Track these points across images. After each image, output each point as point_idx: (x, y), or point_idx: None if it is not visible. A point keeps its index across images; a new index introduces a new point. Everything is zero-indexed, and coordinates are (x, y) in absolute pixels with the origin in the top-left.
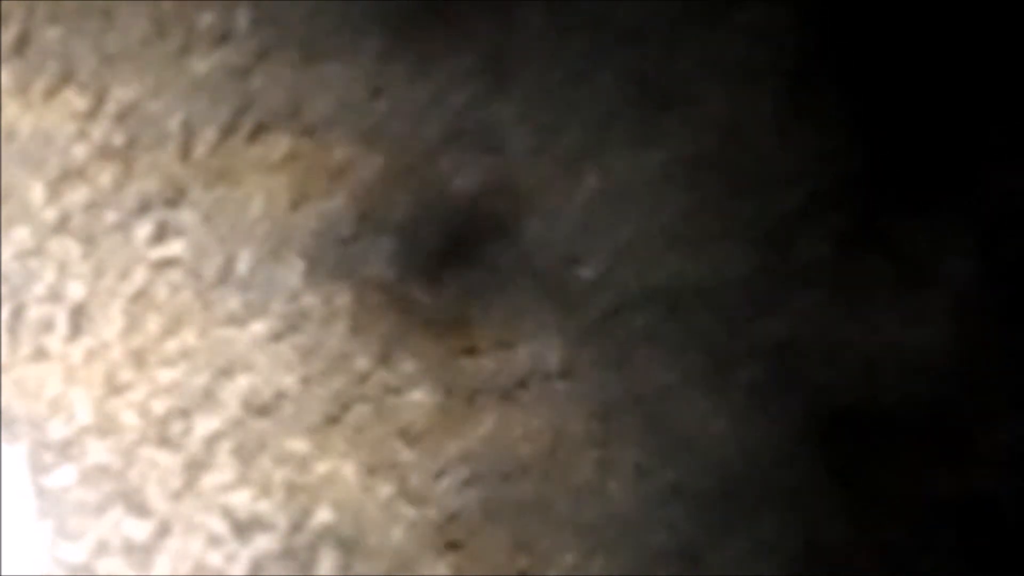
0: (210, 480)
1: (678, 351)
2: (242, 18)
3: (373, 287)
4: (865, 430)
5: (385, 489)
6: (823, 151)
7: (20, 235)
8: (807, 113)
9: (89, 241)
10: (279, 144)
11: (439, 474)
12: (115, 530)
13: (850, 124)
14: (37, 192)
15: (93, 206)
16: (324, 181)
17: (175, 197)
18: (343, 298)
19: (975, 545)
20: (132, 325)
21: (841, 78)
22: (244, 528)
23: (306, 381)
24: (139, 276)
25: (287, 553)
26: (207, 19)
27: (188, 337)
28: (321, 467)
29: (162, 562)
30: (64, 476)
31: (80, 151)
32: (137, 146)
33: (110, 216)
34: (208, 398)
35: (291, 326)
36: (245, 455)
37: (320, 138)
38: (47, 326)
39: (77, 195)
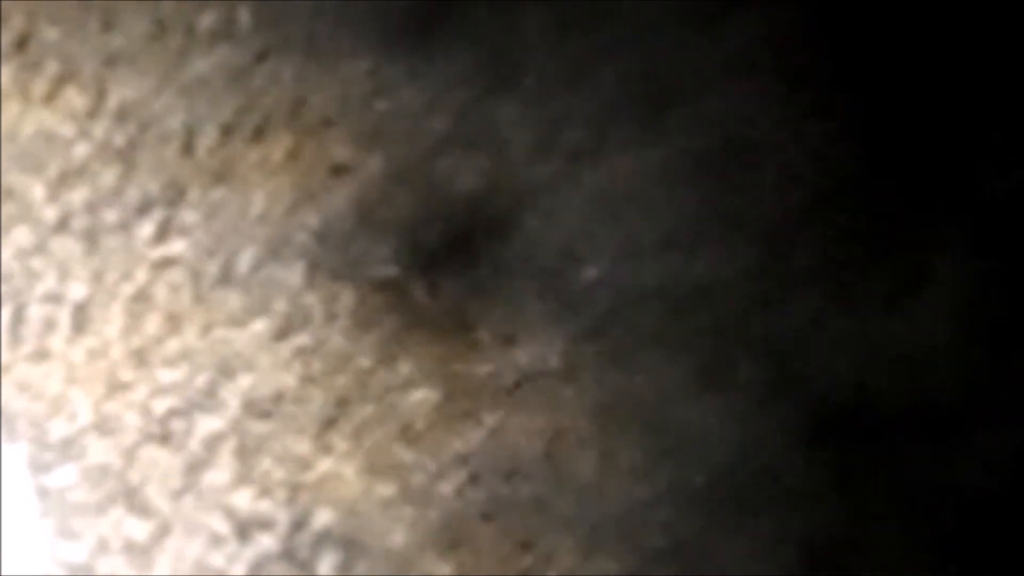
0: (211, 480)
1: (678, 351)
2: (242, 18)
3: (373, 287)
4: (864, 430)
5: (386, 489)
6: (823, 151)
7: (21, 235)
8: (807, 113)
9: (90, 241)
10: (280, 144)
11: (439, 474)
12: (116, 530)
13: (850, 124)
14: (38, 192)
15: (94, 206)
16: (324, 181)
17: (176, 197)
18: (343, 298)
19: (975, 545)
20: (133, 325)
21: (841, 78)
22: (245, 528)
23: (307, 381)
24: (140, 276)
25: (288, 553)
26: (207, 19)
27: (189, 337)
28: (322, 467)
29: (163, 562)
30: (65, 476)
31: (81, 151)
32: (138, 146)
33: (111, 216)
34: (209, 398)
35: (292, 326)
36: (246, 455)
37: (320, 138)
38: (48, 326)
39: (78, 195)
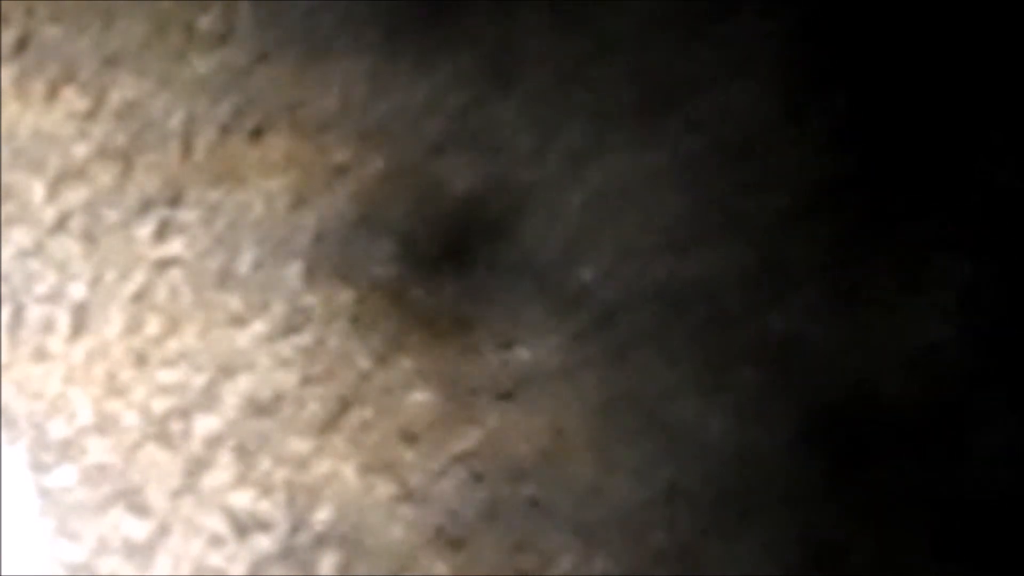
0: (210, 480)
1: (678, 351)
2: (242, 18)
3: (373, 287)
4: (864, 430)
5: (385, 489)
6: (822, 151)
7: (20, 235)
8: (806, 113)
9: (89, 241)
10: (279, 144)
11: (439, 474)
12: (115, 530)
13: (849, 124)
14: (37, 192)
15: (93, 206)
16: (324, 181)
17: (175, 197)
18: (343, 298)
19: (975, 545)
20: (132, 325)
21: (840, 78)
22: (244, 528)
23: (306, 381)
24: (139, 276)
25: (287, 553)
26: (207, 19)
27: (188, 337)
28: (321, 467)
29: (162, 562)
30: (64, 476)
31: (80, 151)
32: (137, 146)
33: (110, 216)
34: (208, 398)
35: (291, 326)
36: (245, 455)
37: (320, 138)
38: (48, 326)
39: (77, 195)
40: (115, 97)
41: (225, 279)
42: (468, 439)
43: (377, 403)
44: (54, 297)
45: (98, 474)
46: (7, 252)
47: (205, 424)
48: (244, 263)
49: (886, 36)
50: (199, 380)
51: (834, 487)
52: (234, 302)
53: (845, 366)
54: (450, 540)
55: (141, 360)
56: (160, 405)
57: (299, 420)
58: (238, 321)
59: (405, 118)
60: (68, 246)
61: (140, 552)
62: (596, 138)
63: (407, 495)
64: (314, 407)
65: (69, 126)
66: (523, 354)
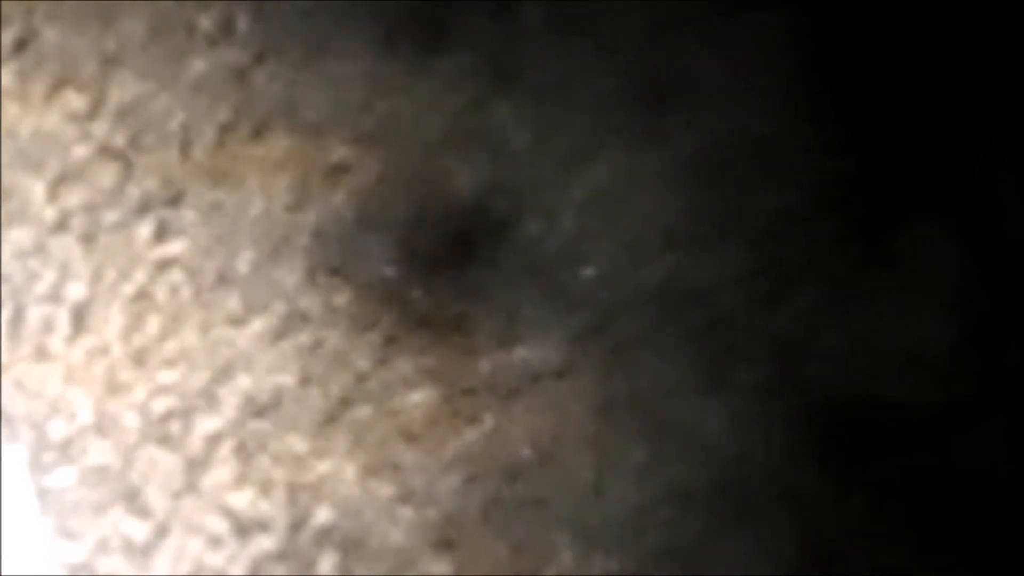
0: (210, 480)
1: (678, 351)
2: (242, 18)
3: (372, 287)
4: (864, 430)
5: (385, 489)
6: (821, 152)
7: (20, 235)
8: (805, 114)
9: (89, 241)
10: (279, 144)
11: (439, 474)
12: (115, 530)
13: (848, 125)
14: (37, 192)
15: (93, 206)
16: (324, 181)
17: (175, 197)
18: (343, 298)
19: (976, 544)
20: (132, 325)
21: (838, 80)
22: (244, 528)
23: (306, 381)
24: (139, 276)
25: (287, 553)
26: (207, 19)
27: (188, 337)
28: (321, 467)
29: (162, 562)
30: (64, 476)
31: (80, 151)
32: (137, 146)
33: (110, 216)
34: (208, 398)
35: (291, 326)
36: (245, 455)
37: (320, 138)
38: (47, 326)
39: (77, 195)
40: (115, 97)
41: (224, 279)
42: (468, 439)
43: (376, 403)
44: (54, 297)
45: (98, 474)
46: (7, 252)
47: (205, 424)
48: (243, 263)
49: (887, 36)
50: (198, 380)
51: (834, 487)
52: (233, 302)
53: (845, 366)
54: (449, 540)
55: (140, 360)
56: (160, 405)
57: (299, 420)
58: (237, 321)
59: (405, 118)
60: (68, 246)
61: (140, 552)
62: (596, 138)
63: (407, 495)
64: (313, 407)
65: (69, 126)
66: (523, 354)
